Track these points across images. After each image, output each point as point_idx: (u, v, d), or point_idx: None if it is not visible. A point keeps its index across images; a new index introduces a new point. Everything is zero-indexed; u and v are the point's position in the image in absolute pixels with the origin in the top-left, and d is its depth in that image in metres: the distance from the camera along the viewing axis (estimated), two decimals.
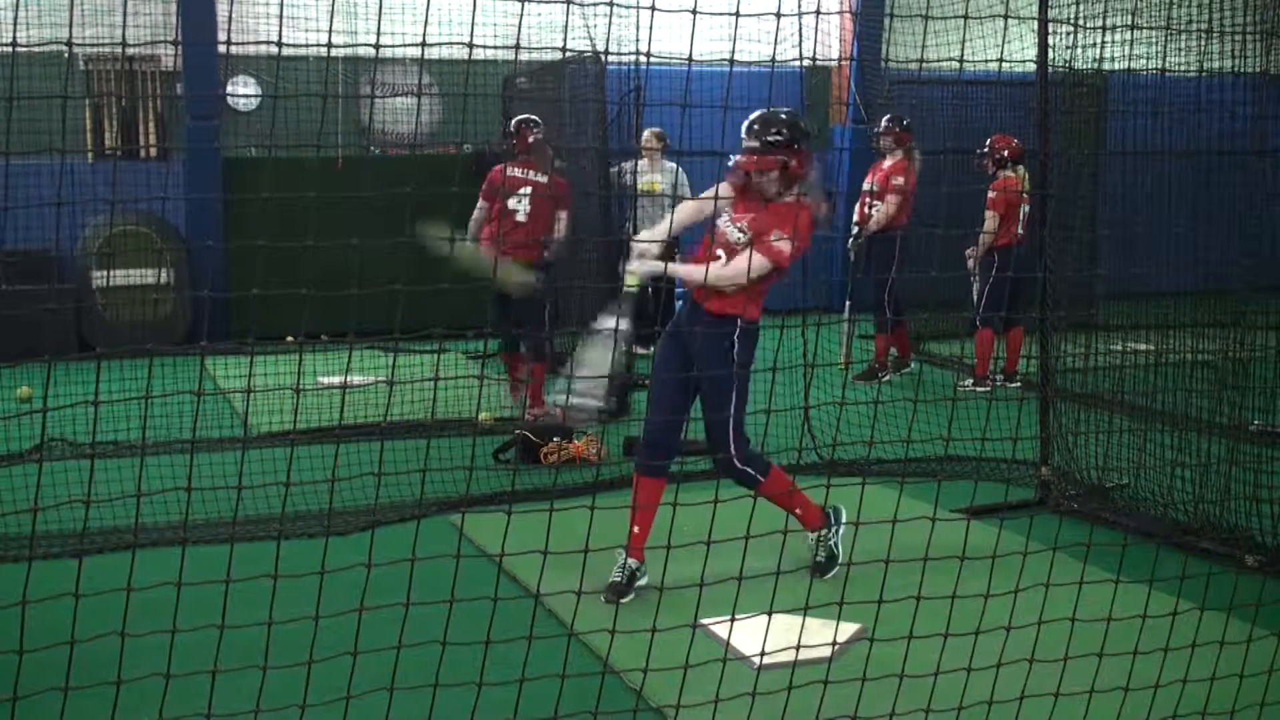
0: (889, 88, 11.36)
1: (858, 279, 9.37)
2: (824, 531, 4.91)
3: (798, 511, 4.80)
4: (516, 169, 7.69)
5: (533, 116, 7.96)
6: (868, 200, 9.35)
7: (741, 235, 4.54)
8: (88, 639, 2.64)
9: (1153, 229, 7.55)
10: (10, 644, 2.63)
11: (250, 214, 10.61)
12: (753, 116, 4.58)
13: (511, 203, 7.56)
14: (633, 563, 4.64)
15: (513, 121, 8.02)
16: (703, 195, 4.71)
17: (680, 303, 4.82)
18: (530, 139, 7.66)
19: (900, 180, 9.21)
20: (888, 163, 9.41)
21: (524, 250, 7.43)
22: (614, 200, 8.97)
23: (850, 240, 9.33)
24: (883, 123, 9.45)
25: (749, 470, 4.64)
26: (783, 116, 4.59)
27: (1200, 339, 5.93)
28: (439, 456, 6.01)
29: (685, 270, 4.71)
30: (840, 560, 4.90)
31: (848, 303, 9.52)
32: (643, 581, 4.65)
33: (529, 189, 7.57)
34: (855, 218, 9.45)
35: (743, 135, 4.58)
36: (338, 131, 12.15)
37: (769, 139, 4.51)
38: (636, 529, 4.62)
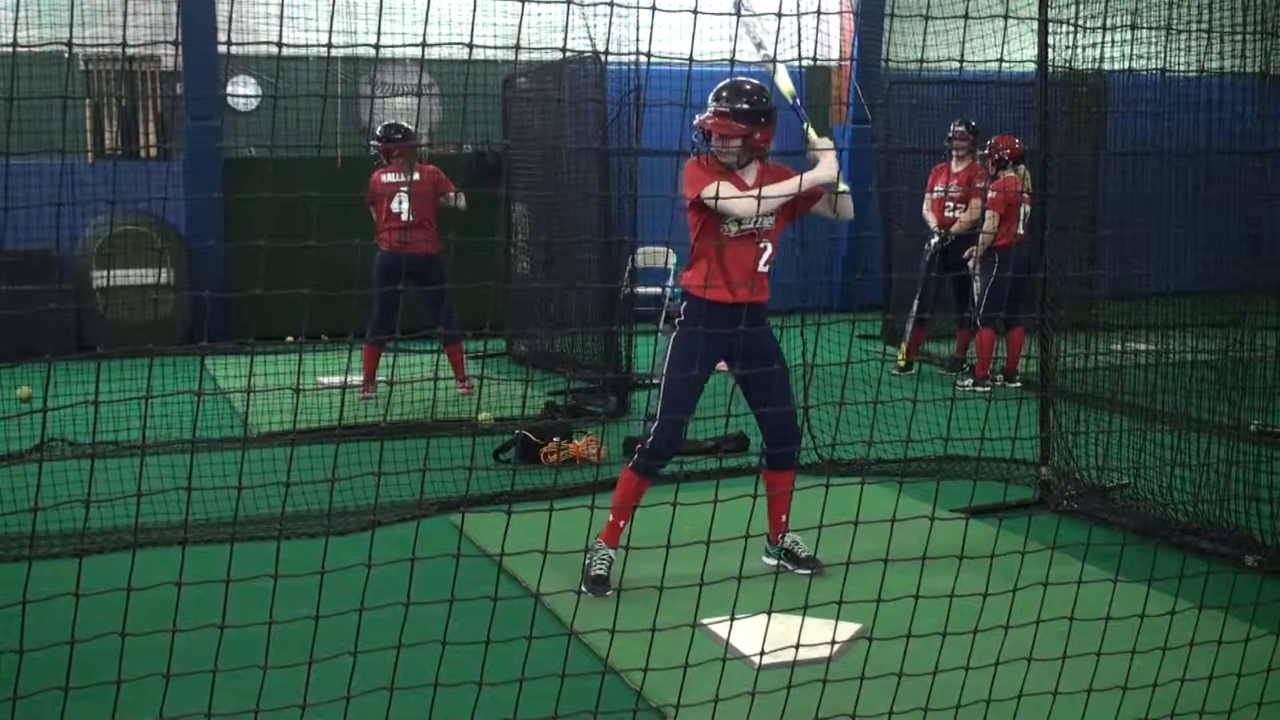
0: (888, 87, 11.38)
1: (927, 279, 9.46)
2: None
3: (784, 518, 4.83)
4: (389, 174, 8.54)
5: (399, 124, 8.77)
6: (946, 203, 9.39)
7: (769, 216, 4.59)
8: (88, 639, 2.64)
9: (1153, 229, 7.56)
10: (10, 644, 2.63)
11: (250, 214, 10.62)
12: (721, 84, 4.58)
13: (394, 207, 8.40)
14: (612, 552, 4.66)
15: (380, 128, 8.78)
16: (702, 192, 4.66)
17: (685, 303, 4.72)
18: (395, 149, 8.51)
19: (982, 184, 9.24)
20: (958, 167, 9.42)
21: (422, 245, 8.31)
22: (614, 201, 8.96)
23: (934, 241, 9.37)
24: (954, 127, 9.46)
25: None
26: (749, 87, 4.59)
27: (1200, 339, 5.93)
28: (439, 456, 6.00)
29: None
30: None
31: (915, 301, 9.63)
32: (617, 565, 4.66)
33: (403, 191, 8.41)
34: (934, 221, 9.47)
35: (710, 100, 4.59)
36: (337, 131, 12.15)
37: (737, 107, 4.53)
38: (622, 523, 4.66)
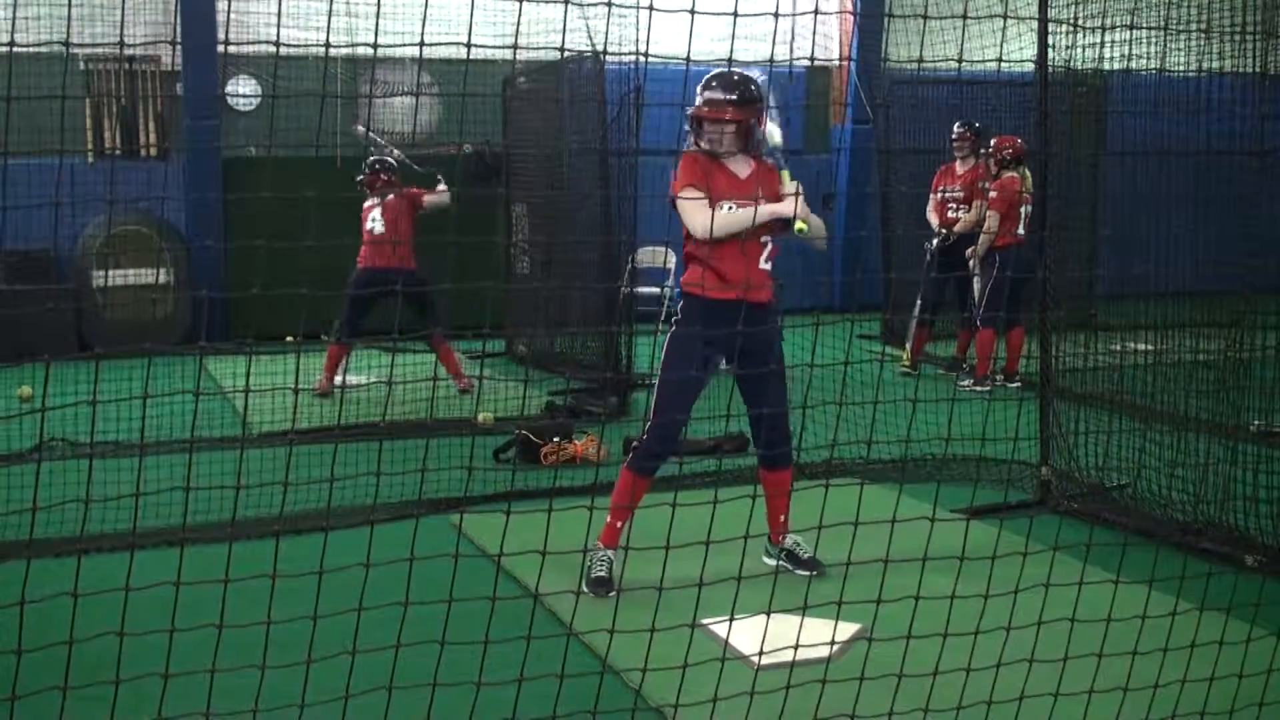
0: (888, 87, 11.38)
1: (930, 279, 9.48)
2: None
3: (783, 518, 4.82)
4: (368, 200, 8.95)
5: (384, 159, 9.25)
6: (950, 204, 9.40)
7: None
8: (86, 638, 2.63)
9: (1153, 229, 7.56)
10: (9, 644, 2.63)
11: (250, 214, 10.62)
12: (715, 73, 4.60)
13: (369, 225, 8.80)
14: (612, 554, 4.65)
15: (366, 162, 9.22)
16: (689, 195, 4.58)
17: (683, 303, 4.71)
18: (378, 183, 8.99)
19: (983, 185, 9.25)
20: (961, 168, 9.43)
21: (394, 260, 8.52)
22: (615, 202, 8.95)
23: (935, 241, 9.39)
24: (956, 128, 9.47)
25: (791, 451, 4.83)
26: (736, 76, 4.62)
27: (1200, 339, 5.93)
28: (438, 456, 5.99)
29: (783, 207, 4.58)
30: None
31: (918, 302, 9.65)
32: (617, 566, 4.64)
33: (378, 209, 8.81)
34: (937, 221, 9.48)
35: (708, 92, 4.58)
36: (337, 131, 12.15)
37: (745, 93, 4.55)
38: (620, 524, 4.64)
